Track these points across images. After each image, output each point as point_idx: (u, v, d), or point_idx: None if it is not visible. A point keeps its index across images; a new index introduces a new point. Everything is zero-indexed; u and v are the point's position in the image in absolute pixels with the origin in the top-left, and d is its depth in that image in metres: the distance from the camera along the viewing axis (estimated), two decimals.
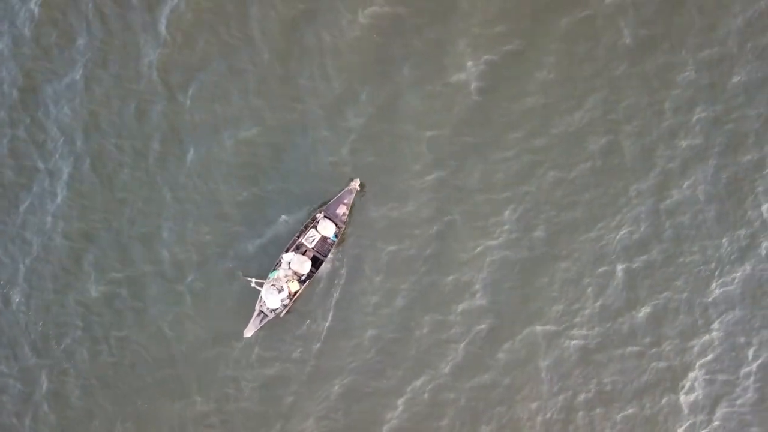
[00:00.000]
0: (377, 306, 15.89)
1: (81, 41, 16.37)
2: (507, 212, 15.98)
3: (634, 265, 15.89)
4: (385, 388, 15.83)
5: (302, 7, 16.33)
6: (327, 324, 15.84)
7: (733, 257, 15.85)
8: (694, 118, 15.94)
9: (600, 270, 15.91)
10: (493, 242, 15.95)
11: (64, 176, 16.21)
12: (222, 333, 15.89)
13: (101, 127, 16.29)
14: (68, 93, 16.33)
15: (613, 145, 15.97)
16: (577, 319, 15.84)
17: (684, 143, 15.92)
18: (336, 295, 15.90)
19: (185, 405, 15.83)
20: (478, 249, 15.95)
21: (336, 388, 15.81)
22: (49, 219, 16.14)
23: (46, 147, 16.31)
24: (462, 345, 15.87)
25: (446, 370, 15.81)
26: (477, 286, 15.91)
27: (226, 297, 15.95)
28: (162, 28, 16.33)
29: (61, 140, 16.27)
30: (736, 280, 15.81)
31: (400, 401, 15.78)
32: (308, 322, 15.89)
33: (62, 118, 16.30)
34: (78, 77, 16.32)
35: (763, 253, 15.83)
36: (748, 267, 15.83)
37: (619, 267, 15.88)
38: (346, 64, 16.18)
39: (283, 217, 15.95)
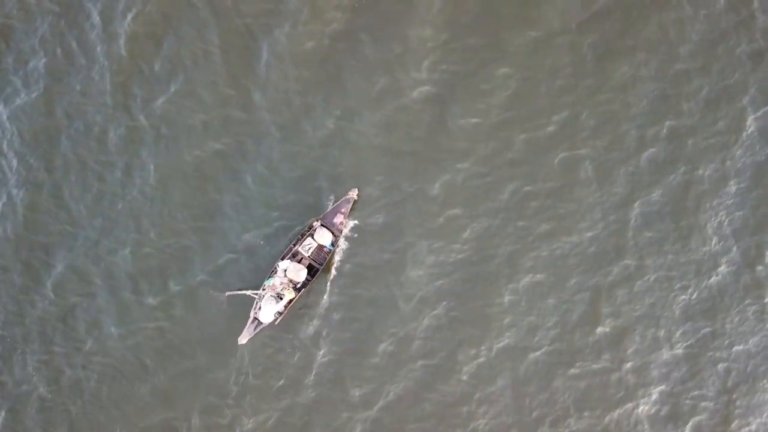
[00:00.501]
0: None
1: (37, 62, 16.35)
2: (470, 226, 16.03)
3: (598, 280, 15.98)
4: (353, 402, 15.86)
5: (261, 21, 16.51)
6: None
7: (696, 271, 15.99)
8: (657, 132, 16.17)
9: (566, 284, 16.03)
10: (459, 256, 16.03)
11: (21, 196, 16.22)
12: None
13: (60, 146, 16.27)
14: (26, 111, 16.34)
15: (578, 159, 16.11)
16: (538, 335, 15.88)
17: (646, 157, 16.09)
18: None
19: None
20: (437, 263, 16.03)
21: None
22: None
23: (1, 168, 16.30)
24: (420, 363, 15.90)
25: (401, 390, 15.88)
26: (436, 301, 15.97)
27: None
28: (120, 44, 16.40)
29: (15, 161, 16.21)
30: (701, 294, 15.96)
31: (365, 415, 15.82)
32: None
33: (15, 142, 16.25)
34: (35, 95, 16.32)
35: (724, 267, 16.03)
36: (713, 281, 15.97)
37: (584, 280, 16.01)
38: (302, 76, 16.33)
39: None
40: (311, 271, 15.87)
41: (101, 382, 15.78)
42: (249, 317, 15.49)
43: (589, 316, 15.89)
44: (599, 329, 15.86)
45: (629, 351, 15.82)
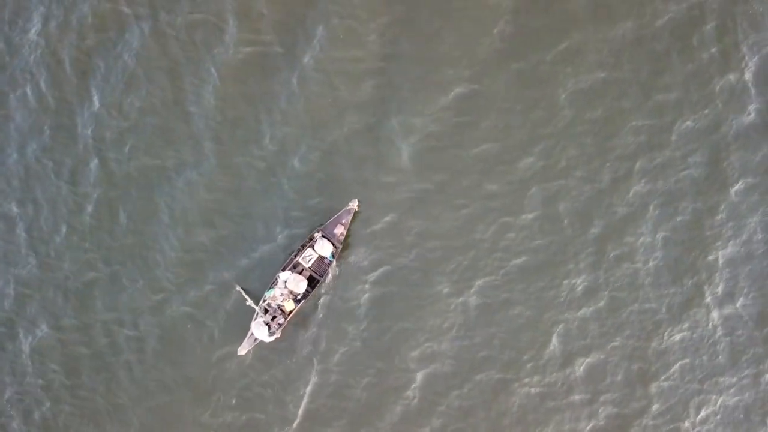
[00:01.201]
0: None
1: (18, 115, 16.40)
2: (457, 259, 15.99)
3: (581, 314, 15.89)
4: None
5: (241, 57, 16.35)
6: None
7: (680, 307, 15.86)
8: (642, 166, 16.02)
9: (545, 317, 15.93)
10: (445, 289, 15.98)
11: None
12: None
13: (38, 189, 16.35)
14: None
15: (561, 193, 15.98)
16: (526, 368, 15.84)
17: (632, 191, 15.95)
18: None
19: None
20: (430, 296, 15.99)
21: None
22: None
23: None
24: (411, 392, 15.87)
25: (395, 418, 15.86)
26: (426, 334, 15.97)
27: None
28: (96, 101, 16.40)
29: None
30: (684, 330, 15.86)
31: None
32: None
33: None
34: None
35: (709, 300, 15.88)
36: (695, 316, 15.86)
37: (566, 315, 15.93)
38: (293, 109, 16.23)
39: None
40: (311, 282, 15.86)
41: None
42: (249, 329, 15.47)
43: (563, 354, 15.90)
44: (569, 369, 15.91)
45: (606, 383, 15.85)
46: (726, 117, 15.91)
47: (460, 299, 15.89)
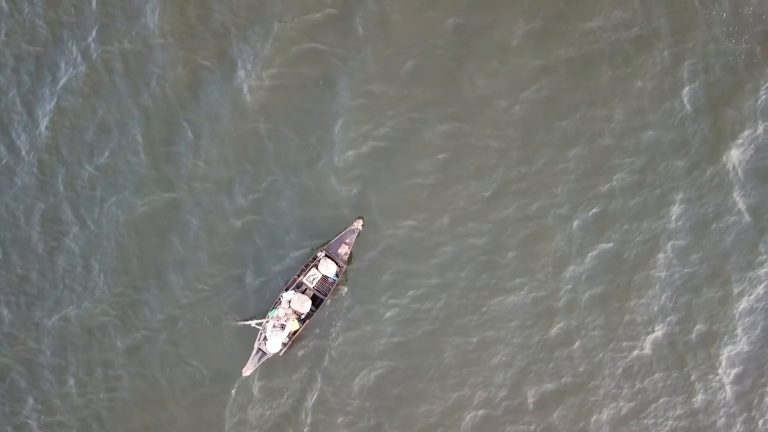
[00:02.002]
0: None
1: None
2: (441, 297, 15.94)
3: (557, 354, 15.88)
4: None
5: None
6: None
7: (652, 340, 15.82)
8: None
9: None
10: (429, 327, 15.91)
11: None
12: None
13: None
14: None
15: (541, 230, 15.94)
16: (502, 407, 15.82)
17: (617, 231, 15.96)
18: None
19: None
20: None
21: None
22: None
23: None
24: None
25: None
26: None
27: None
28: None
29: None
30: (656, 376, 15.82)
31: None
32: None
33: None
34: None
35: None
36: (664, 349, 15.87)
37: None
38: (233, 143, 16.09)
39: None
40: (315, 301, 15.80)
41: None
42: (253, 349, 15.48)
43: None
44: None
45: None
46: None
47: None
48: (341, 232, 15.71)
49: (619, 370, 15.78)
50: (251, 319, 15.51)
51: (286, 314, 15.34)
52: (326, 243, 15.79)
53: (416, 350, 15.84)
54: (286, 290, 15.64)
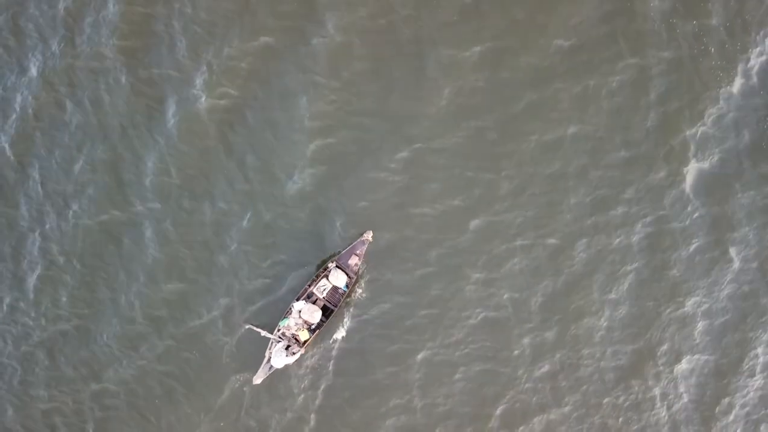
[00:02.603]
0: None
1: None
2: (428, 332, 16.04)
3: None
4: None
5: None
6: None
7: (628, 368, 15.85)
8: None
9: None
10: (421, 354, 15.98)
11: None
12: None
13: None
14: None
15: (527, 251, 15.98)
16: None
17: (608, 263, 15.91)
18: None
19: None
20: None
21: None
22: None
23: None
24: None
25: None
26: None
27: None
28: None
29: None
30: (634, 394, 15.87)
31: None
32: None
33: None
34: None
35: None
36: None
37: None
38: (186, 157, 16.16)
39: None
40: (326, 312, 15.96)
41: None
42: (264, 357, 15.68)
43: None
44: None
45: None
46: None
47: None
48: (352, 244, 15.87)
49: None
50: (262, 327, 15.70)
51: (296, 324, 15.52)
52: (337, 254, 15.95)
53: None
54: (297, 300, 15.83)
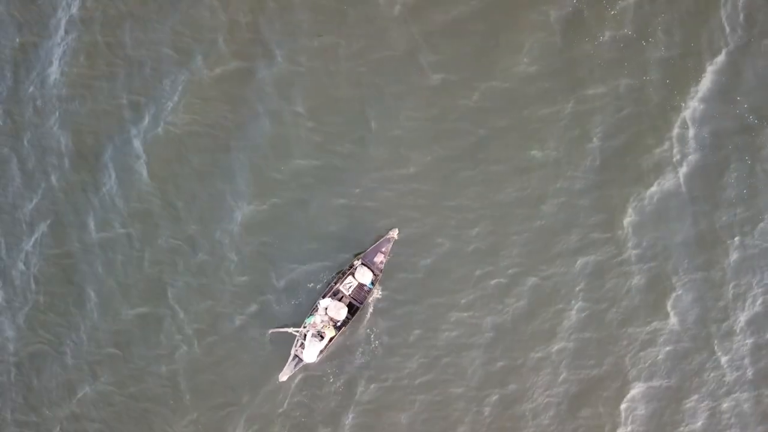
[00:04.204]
0: None
1: None
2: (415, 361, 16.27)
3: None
4: None
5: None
6: None
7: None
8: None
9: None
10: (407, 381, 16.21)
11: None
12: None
13: None
14: None
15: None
16: None
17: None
18: None
19: None
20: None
21: None
22: None
23: None
24: None
25: None
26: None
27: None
28: None
29: None
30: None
31: None
32: None
33: None
34: None
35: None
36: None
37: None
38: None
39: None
40: (351, 309, 16.04)
41: None
42: (290, 354, 15.74)
43: None
44: None
45: None
46: None
47: None
48: (378, 241, 15.97)
49: None
50: (286, 327, 15.74)
51: (322, 321, 15.59)
52: (363, 252, 16.05)
53: None
54: (323, 297, 15.92)
